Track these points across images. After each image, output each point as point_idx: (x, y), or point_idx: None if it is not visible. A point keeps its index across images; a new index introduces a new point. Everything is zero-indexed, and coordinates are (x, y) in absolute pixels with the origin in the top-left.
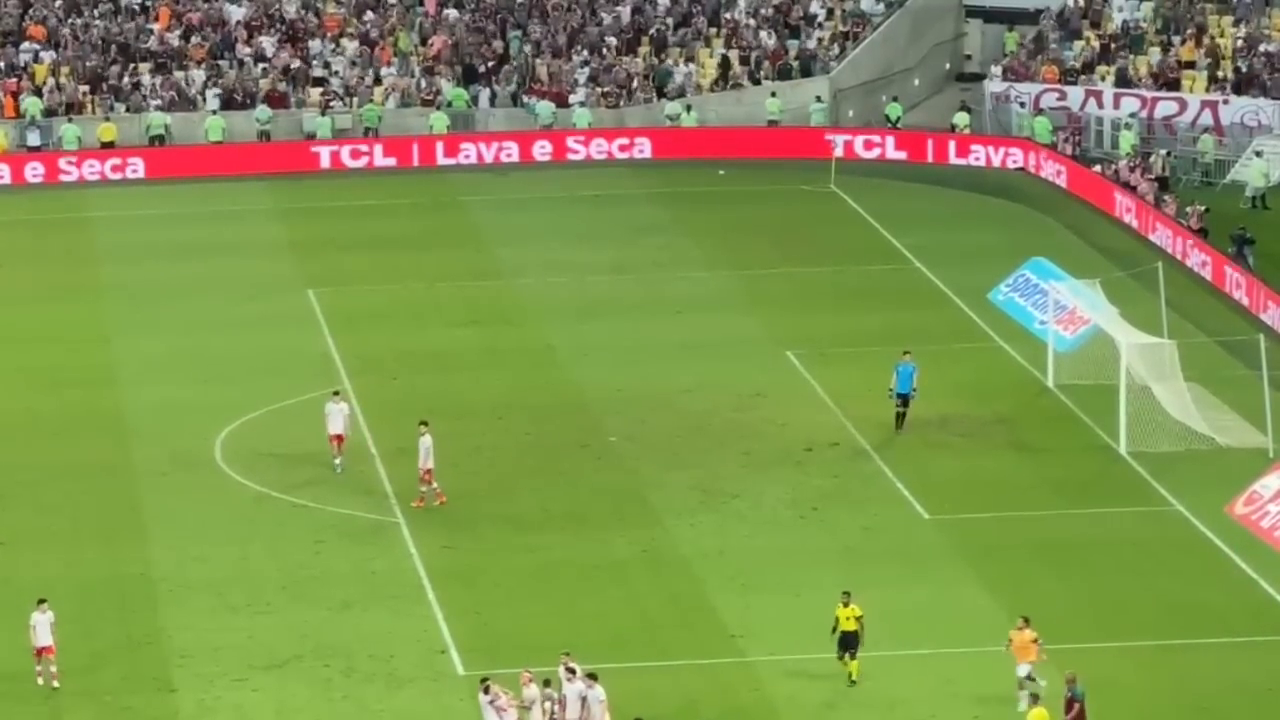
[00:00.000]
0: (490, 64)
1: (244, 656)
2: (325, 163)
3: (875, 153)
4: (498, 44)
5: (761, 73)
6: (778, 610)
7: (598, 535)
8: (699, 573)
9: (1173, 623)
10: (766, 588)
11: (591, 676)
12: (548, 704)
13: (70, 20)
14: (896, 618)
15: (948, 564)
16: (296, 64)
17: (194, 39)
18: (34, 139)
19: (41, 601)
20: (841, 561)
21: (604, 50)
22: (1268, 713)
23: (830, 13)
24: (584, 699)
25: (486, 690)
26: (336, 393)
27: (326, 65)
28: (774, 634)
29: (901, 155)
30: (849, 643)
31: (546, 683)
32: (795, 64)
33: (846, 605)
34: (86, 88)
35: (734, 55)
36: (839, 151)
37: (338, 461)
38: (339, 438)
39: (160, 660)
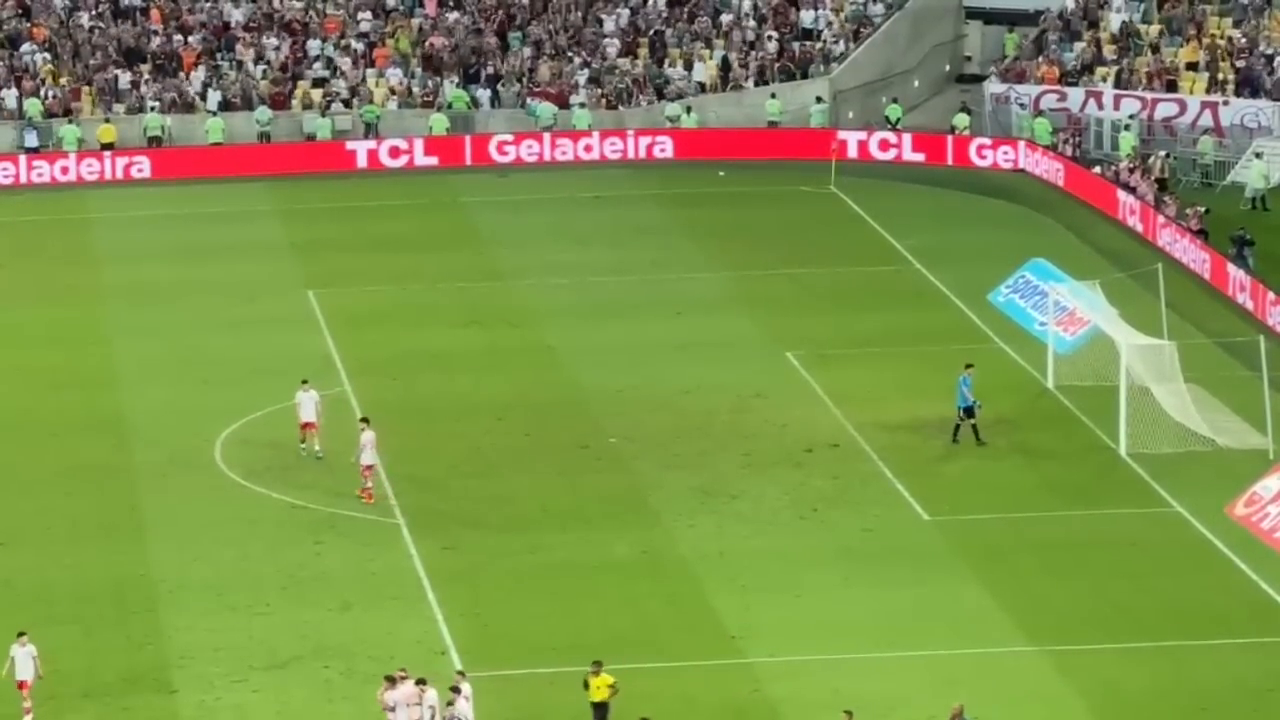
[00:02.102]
0: (490, 65)
1: (244, 657)
2: (327, 163)
3: (891, 154)
4: (498, 45)
5: (765, 73)
6: (777, 611)
7: (597, 536)
8: (698, 573)
9: (1173, 624)
10: (766, 588)
11: (421, 682)
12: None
13: (70, 21)
14: (896, 618)
15: (948, 565)
16: (297, 65)
17: (191, 38)
18: (33, 140)
19: (21, 634)
20: (841, 562)
21: (604, 52)
22: (1268, 713)
23: (830, 14)
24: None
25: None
26: (305, 381)
27: (330, 64)
28: (773, 635)
29: (919, 157)
30: (601, 713)
31: (421, 680)
32: (795, 66)
33: (597, 674)
34: (86, 88)
35: (734, 56)
36: (852, 153)
37: (306, 447)
38: (309, 425)
39: (160, 661)
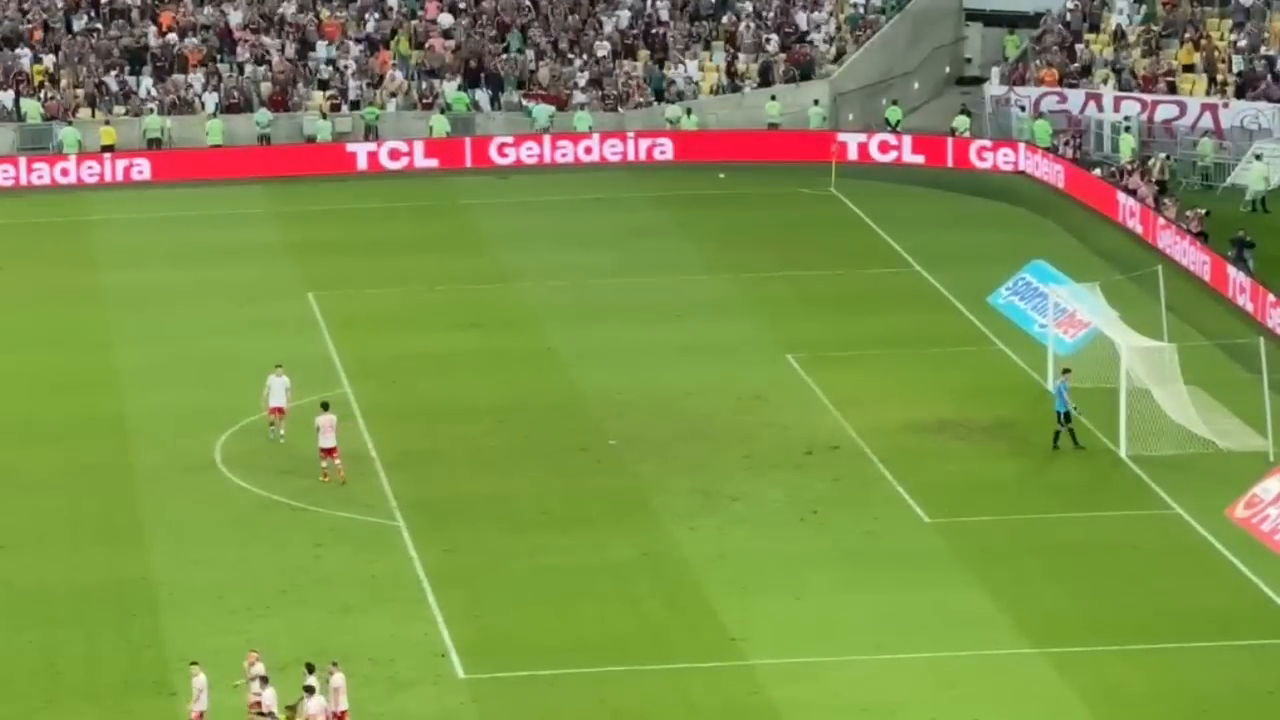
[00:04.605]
0: (490, 67)
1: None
2: (327, 165)
3: (891, 156)
4: (497, 47)
5: (766, 74)
6: (778, 613)
7: (598, 538)
8: (699, 575)
9: (1173, 626)
10: (766, 590)
11: (264, 680)
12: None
13: (70, 23)
14: (897, 621)
15: (948, 567)
16: (297, 67)
17: (191, 40)
18: (37, 140)
19: None
20: (841, 564)
21: (603, 54)
22: (1269, 716)
23: (830, 16)
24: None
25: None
26: (279, 365)
27: (332, 64)
28: (774, 637)
29: (919, 159)
30: None
31: (265, 680)
32: (796, 68)
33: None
34: (85, 90)
35: (736, 59)
36: (852, 155)
37: (280, 432)
38: (279, 410)
39: (160, 664)
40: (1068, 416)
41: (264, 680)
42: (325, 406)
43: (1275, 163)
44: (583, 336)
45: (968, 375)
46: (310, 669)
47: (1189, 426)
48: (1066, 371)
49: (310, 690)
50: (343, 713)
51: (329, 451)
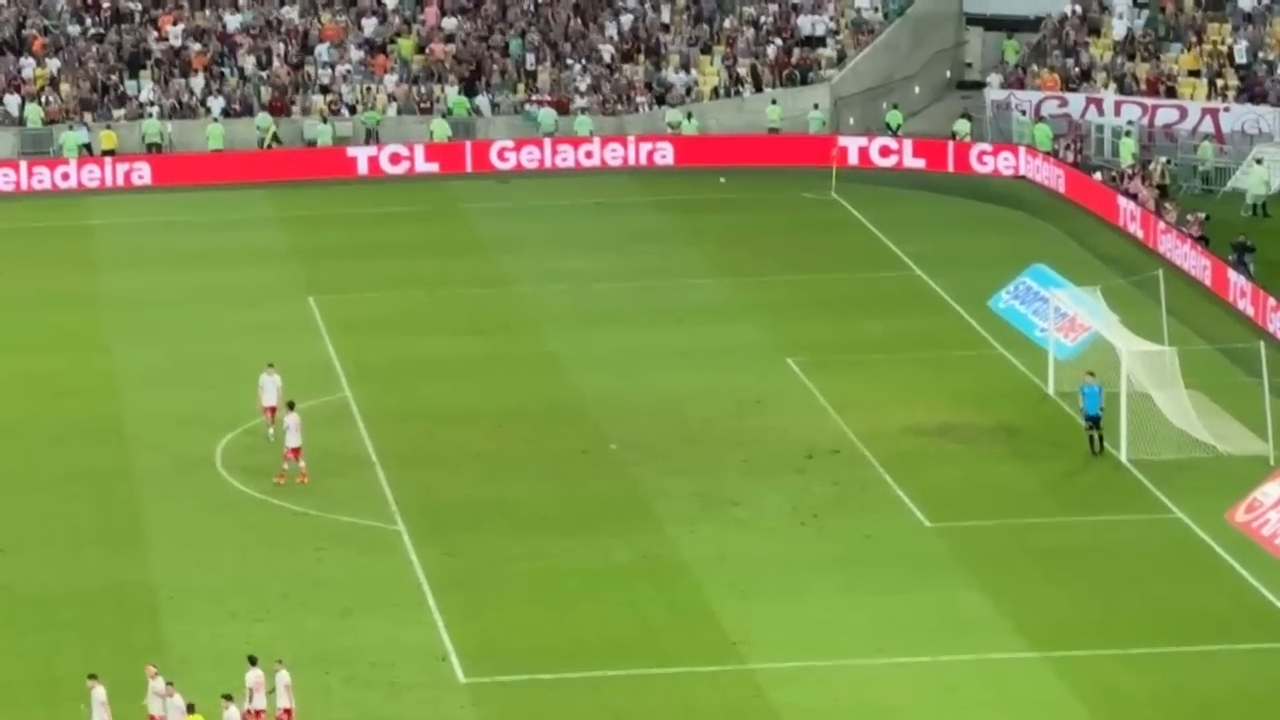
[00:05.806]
0: (490, 71)
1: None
2: (327, 170)
3: (892, 160)
4: (498, 52)
5: (763, 80)
6: (778, 617)
7: (598, 542)
8: (699, 579)
9: (1173, 630)
10: (767, 594)
11: (169, 684)
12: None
13: (71, 28)
14: (897, 624)
15: (949, 571)
16: (298, 71)
17: (194, 45)
18: (84, 137)
19: None
20: (842, 569)
21: (599, 57)
22: None
23: (831, 21)
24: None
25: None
26: (271, 365)
27: (333, 68)
28: (774, 641)
29: (919, 163)
30: None
31: (170, 684)
32: (797, 71)
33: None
34: (84, 93)
35: (735, 63)
36: (853, 159)
37: (271, 431)
38: (272, 409)
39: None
40: (1095, 421)
41: (169, 684)
42: (291, 406)
43: (1276, 167)
44: (583, 341)
45: (968, 379)
46: (253, 660)
47: (1189, 430)
48: (1090, 374)
49: (229, 699)
50: (289, 710)
51: (295, 451)
